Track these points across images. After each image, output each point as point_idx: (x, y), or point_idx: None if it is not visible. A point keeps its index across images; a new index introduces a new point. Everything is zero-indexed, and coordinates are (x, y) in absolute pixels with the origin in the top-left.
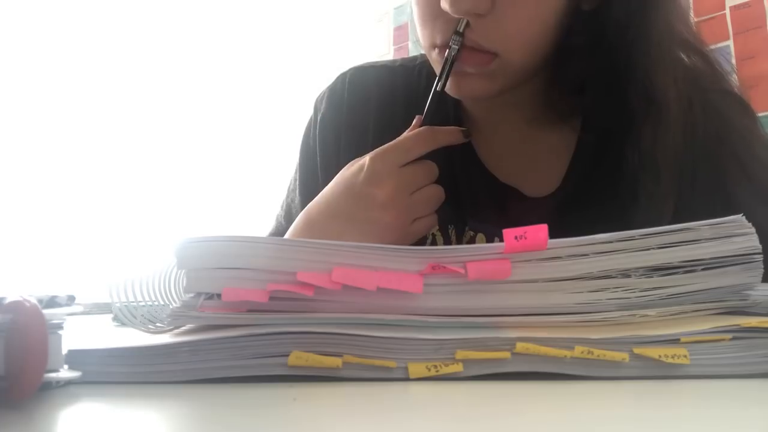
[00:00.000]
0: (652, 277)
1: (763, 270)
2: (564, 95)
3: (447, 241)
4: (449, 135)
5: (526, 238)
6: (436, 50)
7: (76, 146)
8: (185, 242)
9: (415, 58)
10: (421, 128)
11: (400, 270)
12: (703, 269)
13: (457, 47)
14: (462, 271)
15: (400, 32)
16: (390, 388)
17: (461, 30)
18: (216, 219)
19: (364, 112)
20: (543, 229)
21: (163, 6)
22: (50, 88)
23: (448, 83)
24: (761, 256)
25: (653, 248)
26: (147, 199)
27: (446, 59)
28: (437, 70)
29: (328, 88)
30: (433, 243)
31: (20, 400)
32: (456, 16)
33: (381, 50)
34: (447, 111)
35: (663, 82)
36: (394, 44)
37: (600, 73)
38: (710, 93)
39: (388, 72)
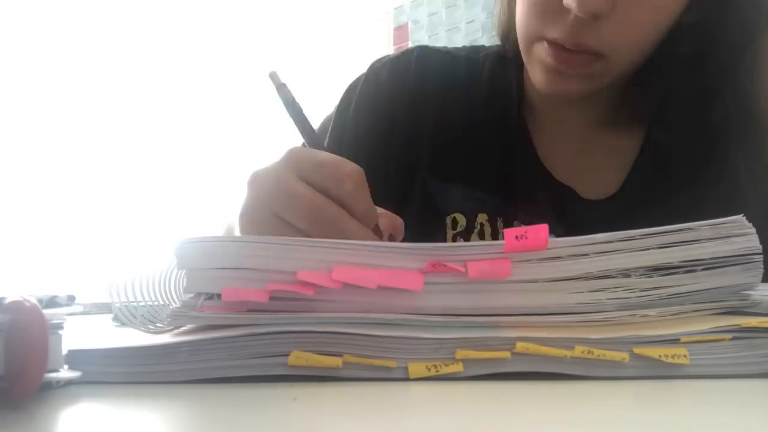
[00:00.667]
0: (652, 277)
1: (763, 270)
2: (640, 99)
3: (494, 232)
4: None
5: (526, 238)
6: (544, 43)
7: (76, 146)
8: (185, 242)
9: (478, 49)
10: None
11: (401, 268)
12: (703, 269)
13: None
14: (462, 269)
15: (400, 32)
16: (390, 388)
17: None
18: (216, 219)
19: (425, 92)
20: (543, 228)
21: (162, 6)
22: (50, 89)
23: (539, 78)
24: (761, 256)
25: (653, 248)
26: (147, 199)
27: None
28: (531, 64)
29: (391, 58)
30: (481, 232)
31: (20, 400)
32: (581, 15)
33: (381, 50)
34: (510, 105)
35: (759, 108)
36: (394, 44)
37: (692, 86)
38: None
39: (452, 60)
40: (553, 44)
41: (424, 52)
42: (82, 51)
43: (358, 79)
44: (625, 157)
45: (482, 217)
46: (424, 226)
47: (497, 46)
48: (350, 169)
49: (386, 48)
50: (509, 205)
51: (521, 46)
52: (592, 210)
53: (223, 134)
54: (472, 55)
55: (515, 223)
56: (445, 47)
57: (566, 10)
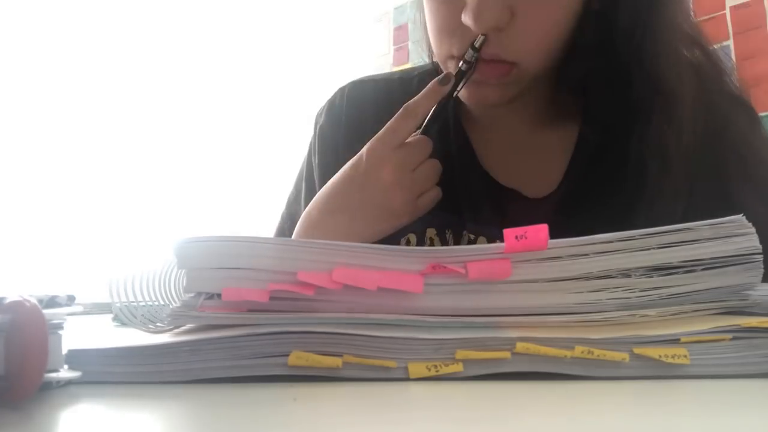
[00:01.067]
0: (652, 277)
1: (763, 270)
2: (566, 95)
3: (444, 245)
4: (429, 98)
5: (526, 238)
6: (454, 61)
7: (75, 146)
8: (185, 242)
9: (413, 69)
10: (402, 108)
11: (401, 270)
12: (703, 269)
13: (472, 62)
14: (462, 271)
15: (400, 32)
16: (390, 388)
17: (478, 45)
18: (216, 219)
19: (362, 126)
20: (543, 229)
21: (162, 6)
22: (50, 89)
23: (464, 94)
24: (761, 256)
25: (653, 248)
26: (147, 198)
27: (459, 71)
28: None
29: (327, 102)
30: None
31: (20, 400)
32: (479, 32)
33: (381, 50)
34: (446, 114)
35: (672, 77)
36: (394, 44)
37: (605, 71)
38: (714, 94)
39: (385, 85)
40: (461, 60)
41: (354, 86)
42: (82, 51)
43: (311, 137)
44: (564, 153)
45: (431, 232)
46: None
47: (432, 63)
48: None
49: (386, 48)
50: (456, 216)
51: (440, 65)
52: (535, 208)
53: (223, 134)
54: (406, 76)
55: (464, 233)
56: (379, 74)
57: (466, 27)
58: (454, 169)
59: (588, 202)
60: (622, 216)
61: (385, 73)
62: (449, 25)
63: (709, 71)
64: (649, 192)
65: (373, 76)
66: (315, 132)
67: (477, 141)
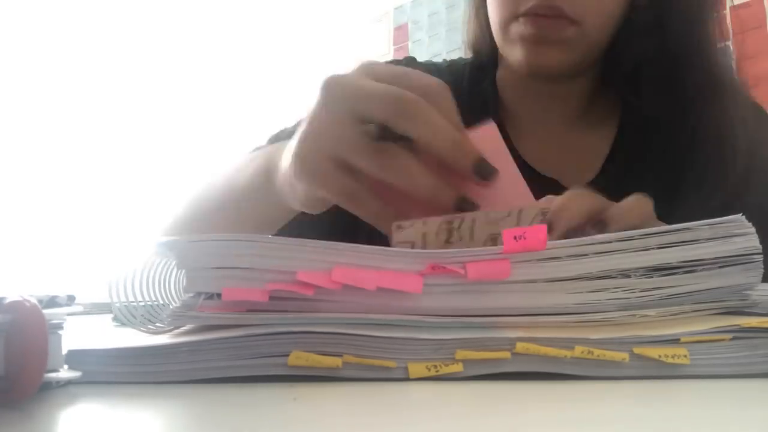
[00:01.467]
0: (651, 277)
1: (763, 270)
2: (613, 87)
3: None
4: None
5: (525, 239)
6: (516, 22)
7: (75, 146)
8: (185, 242)
9: (461, 59)
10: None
11: (400, 270)
12: (703, 269)
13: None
14: (461, 271)
15: (400, 32)
16: (390, 388)
17: None
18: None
19: None
20: (542, 229)
21: (161, 6)
22: (50, 89)
23: (523, 55)
24: (761, 256)
25: (653, 248)
26: (147, 198)
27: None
28: (511, 45)
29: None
30: None
31: (20, 400)
32: None
33: (381, 50)
34: (486, 105)
35: (726, 68)
36: (394, 44)
37: (657, 56)
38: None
39: (436, 70)
40: (529, 15)
41: (408, 62)
42: (83, 52)
43: None
44: (604, 148)
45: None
46: None
47: (472, 57)
48: (430, 79)
49: (386, 48)
50: None
51: (499, 34)
52: None
53: (223, 134)
54: (454, 65)
55: None
56: (429, 60)
57: None
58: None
59: (626, 193)
60: (661, 209)
61: (437, 61)
62: None
63: (733, 71)
64: (704, 185)
65: (425, 61)
66: None
67: (515, 136)
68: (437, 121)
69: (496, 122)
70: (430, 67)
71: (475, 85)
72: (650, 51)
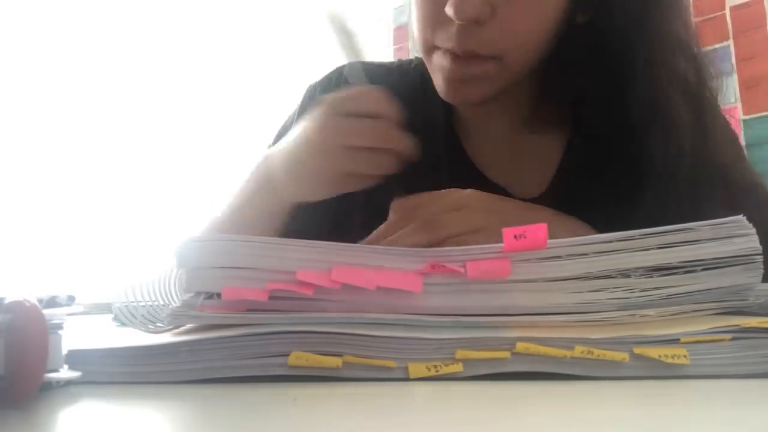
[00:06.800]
0: (652, 277)
1: (763, 270)
2: (557, 104)
3: None
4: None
5: (525, 237)
6: (436, 53)
7: (76, 146)
8: (185, 242)
9: (411, 60)
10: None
11: (400, 269)
12: (703, 269)
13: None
14: (461, 270)
15: (400, 32)
16: (390, 388)
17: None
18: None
19: None
20: (542, 228)
21: (161, 6)
22: (51, 89)
23: (444, 89)
24: (761, 256)
25: (653, 248)
26: (147, 199)
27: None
28: (433, 73)
29: (324, 77)
30: None
31: (20, 400)
32: (460, 23)
33: (381, 50)
34: (437, 113)
35: (666, 101)
36: (394, 44)
37: (598, 84)
38: (703, 113)
39: (385, 71)
40: (447, 52)
41: (352, 67)
42: (83, 52)
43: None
44: (554, 157)
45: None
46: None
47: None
48: (368, 89)
49: (386, 48)
50: None
51: (423, 57)
52: None
53: (223, 135)
54: (405, 65)
55: None
56: (379, 61)
57: (450, 19)
58: (444, 164)
59: (575, 207)
60: (608, 224)
61: (384, 61)
62: (433, 16)
63: (692, 82)
64: (645, 203)
65: (371, 62)
66: (304, 99)
67: (465, 140)
68: (393, 135)
69: (447, 125)
70: (379, 69)
71: (426, 83)
72: (585, 83)
